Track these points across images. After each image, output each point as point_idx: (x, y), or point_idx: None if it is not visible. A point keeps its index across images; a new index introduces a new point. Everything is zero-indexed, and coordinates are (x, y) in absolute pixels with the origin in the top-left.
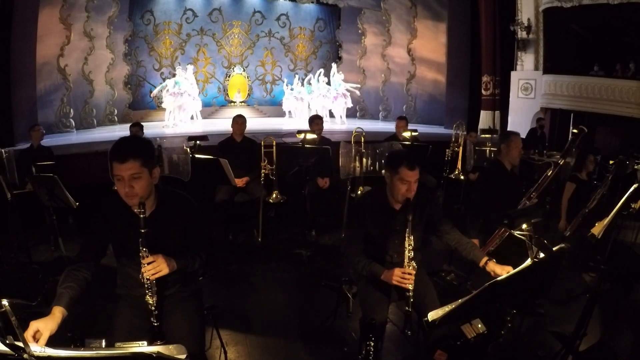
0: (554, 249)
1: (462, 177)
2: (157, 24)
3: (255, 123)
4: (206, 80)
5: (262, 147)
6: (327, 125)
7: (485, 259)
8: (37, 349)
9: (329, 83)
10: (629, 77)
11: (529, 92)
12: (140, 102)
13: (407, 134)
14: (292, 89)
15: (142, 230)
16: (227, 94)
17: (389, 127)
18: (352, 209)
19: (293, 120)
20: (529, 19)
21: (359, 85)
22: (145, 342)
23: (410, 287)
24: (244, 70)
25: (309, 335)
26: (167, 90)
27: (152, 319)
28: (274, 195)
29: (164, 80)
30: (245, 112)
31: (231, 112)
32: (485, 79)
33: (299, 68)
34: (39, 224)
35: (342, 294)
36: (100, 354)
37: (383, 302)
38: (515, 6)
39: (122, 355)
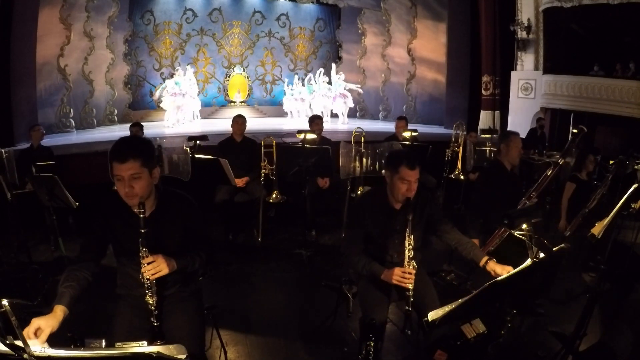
0: (554, 249)
1: (462, 177)
2: (157, 24)
3: (255, 123)
4: (206, 80)
5: (262, 147)
6: (328, 125)
7: (485, 258)
8: (37, 348)
9: (329, 83)
10: (629, 77)
11: (529, 92)
12: (140, 102)
13: (407, 134)
14: (292, 91)
15: (142, 230)
16: (227, 94)
17: (389, 127)
18: (352, 209)
19: (294, 120)
20: (529, 19)
21: (359, 86)
22: (145, 342)
23: (410, 286)
24: (244, 70)
25: (309, 335)
26: (167, 91)
27: (152, 319)
28: (274, 195)
29: (164, 80)
30: (245, 112)
31: (231, 112)
32: (485, 79)
33: (299, 68)
34: (39, 224)
35: (342, 294)
36: (100, 354)
37: (383, 302)
38: (515, 6)
39: (122, 355)
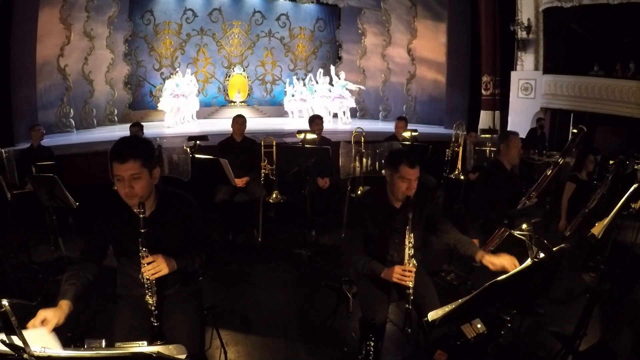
0: (554, 249)
1: (462, 177)
2: (157, 24)
3: (255, 123)
4: (206, 80)
5: (262, 147)
6: (328, 125)
7: (481, 252)
8: (37, 348)
9: (331, 83)
10: (629, 77)
11: (529, 92)
12: (140, 102)
13: (407, 134)
14: (294, 91)
15: (142, 230)
16: (227, 94)
17: (389, 127)
18: (352, 208)
19: (294, 121)
20: (529, 19)
21: (361, 87)
22: (145, 342)
23: (411, 284)
24: (244, 70)
25: (309, 335)
26: (167, 92)
27: (152, 319)
28: (274, 195)
29: (164, 80)
30: (245, 112)
31: (231, 112)
32: (485, 79)
33: (299, 68)
34: (39, 224)
35: (342, 294)
36: (100, 354)
37: (383, 302)
38: (515, 6)
39: (122, 355)
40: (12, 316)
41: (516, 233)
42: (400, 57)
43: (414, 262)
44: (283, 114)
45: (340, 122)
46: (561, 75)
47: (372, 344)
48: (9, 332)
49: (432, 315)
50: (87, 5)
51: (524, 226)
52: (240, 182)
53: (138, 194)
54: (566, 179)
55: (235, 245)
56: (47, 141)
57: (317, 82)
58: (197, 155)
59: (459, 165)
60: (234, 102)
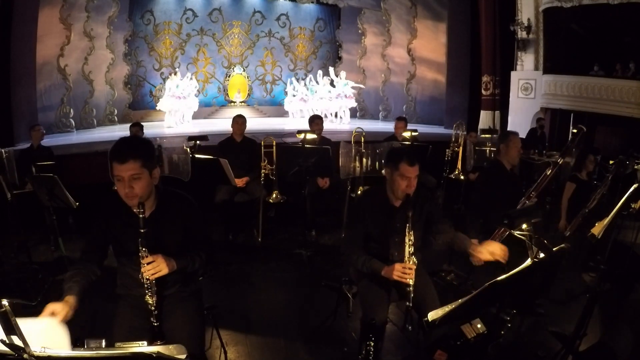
0: (554, 249)
1: (462, 177)
2: (157, 24)
3: (255, 123)
4: (206, 80)
5: (262, 147)
6: (328, 125)
7: (472, 244)
8: (37, 348)
9: (332, 85)
10: (629, 77)
11: (529, 92)
12: (140, 102)
13: (407, 134)
14: (295, 91)
15: (142, 230)
16: (227, 94)
17: (389, 127)
18: (352, 208)
19: (294, 121)
20: (529, 19)
21: (362, 86)
22: (145, 342)
23: (411, 282)
24: (244, 70)
25: (309, 335)
26: (166, 91)
27: (152, 319)
28: (274, 195)
29: (164, 80)
30: (245, 112)
31: (231, 112)
32: (485, 79)
33: (299, 68)
34: (39, 224)
35: (342, 294)
36: (100, 354)
37: (383, 302)
38: (515, 6)
39: (122, 355)
40: (12, 316)
41: (516, 233)
42: (400, 57)
43: (414, 259)
44: (283, 114)
45: (340, 122)
46: (561, 75)
47: (372, 344)
48: (9, 332)
49: (432, 315)
50: (87, 5)
51: (524, 226)
52: (240, 182)
53: (138, 194)
54: (566, 179)
55: (235, 245)
56: (47, 141)
57: (317, 83)
58: (197, 155)
59: (459, 165)
60: (234, 102)
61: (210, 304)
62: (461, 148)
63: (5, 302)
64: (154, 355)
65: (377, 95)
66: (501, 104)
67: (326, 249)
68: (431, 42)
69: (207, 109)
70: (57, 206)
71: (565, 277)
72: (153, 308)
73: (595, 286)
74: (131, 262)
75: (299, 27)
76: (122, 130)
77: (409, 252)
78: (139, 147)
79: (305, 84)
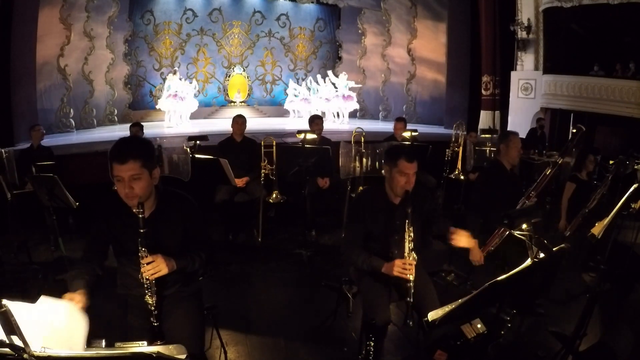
0: (554, 249)
1: (462, 177)
2: (157, 24)
3: (255, 123)
4: (206, 80)
5: (262, 147)
6: (328, 125)
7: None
8: (37, 348)
9: (334, 85)
10: (629, 77)
11: (529, 92)
12: (140, 102)
13: (407, 134)
14: (296, 92)
15: (141, 231)
16: (227, 94)
17: (389, 127)
18: (351, 206)
19: (295, 121)
20: (529, 19)
21: (360, 86)
22: (145, 342)
23: (411, 277)
24: (244, 70)
25: (309, 335)
26: (165, 91)
27: (152, 319)
28: (274, 195)
29: (164, 80)
30: (245, 112)
31: (231, 112)
32: (485, 79)
33: (299, 68)
34: (39, 224)
35: (342, 294)
36: (100, 354)
37: (385, 302)
38: (515, 6)
39: (122, 355)
40: (12, 316)
41: (516, 233)
42: (400, 57)
43: (414, 255)
44: (283, 114)
45: (339, 122)
46: (561, 75)
47: (372, 344)
48: (9, 332)
49: (432, 315)
50: (87, 5)
51: (524, 226)
52: (240, 182)
53: (138, 194)
54: (566, 179)
55: (235, 245)
56: (47, 141)
57: (317, 83)
58: (197, 155)
59: (459, 165)
60: (234, 102)
61: (210, 304)
62: (461, 148)
63: (5, 302)
64: (154, 355)
65: (377, 95)
66: (501, 104)
67: (326, 249)
68: (431, 42)
69: (207, 109)
70: (57, 206)
71: (565, 277)
72: (153, 308)
73: (595, 286)
74: (131, 262)
75: (299, 27)
76: (122, 130)
77: (409, 247)
78: (139, 148)
79: (306, 85)
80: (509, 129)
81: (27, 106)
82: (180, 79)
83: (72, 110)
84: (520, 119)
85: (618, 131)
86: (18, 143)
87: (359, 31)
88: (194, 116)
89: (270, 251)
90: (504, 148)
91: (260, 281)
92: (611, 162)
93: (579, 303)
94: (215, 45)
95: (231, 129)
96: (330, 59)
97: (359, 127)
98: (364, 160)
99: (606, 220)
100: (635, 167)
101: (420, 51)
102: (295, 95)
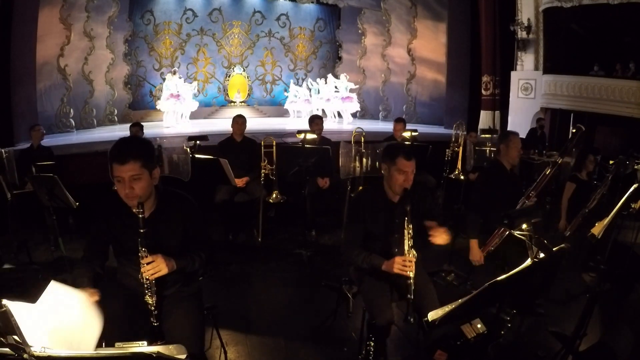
0: (554, 249)
1: (462, 177)
2: (157, 24)
3: (255, 123)
4: (206, 80)
5: (262, 147)
6: (328, 125)
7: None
8: (37, 348)
9: (335, 86)
10: (629, 77)
11: (529, 92)
12: (140, 102)
13: (407, 134)
14: (297, 92)
15: (141, 231)
16: (227, 94)
17: (389, 127)
18: (350, 206)
19: (295, 121)
20: (529, 19)
21: (358, 86)
22: (145, 342)
23: (412, 274)
24: (244, 70)
25: (309, 335)
26: (167, 90)
27: (152, 319)
28: (274, 195)
29: (164, 80)
30: (245, 112)
31: (231, 112)
32: (485, 79)
33: (299, 68)
34: (39, 224)
35: (342, 294)
36: (101, 354)
37: (387, 301)
38: (515, 6)
39: (122, 355)
40: (12, 316)
41: (516, 233)
42: (400, 57)
43: (414, 252)
44: (283, 114)
45: (341, 123)
46: (561, 75)
47: (372, 343)
48: (9, 332)
49: (432, 315)
50: (87, 5)
51: (524, 226)
52: (240, 182)
53: (138, 194)
54: (566, 179)
55: (235, 245)
56: (47, 141)
57: (318, 84)
58: (197, 155)
59: (459, 165)
60: (234, 102)
61: (210, 304)
62: (461, 148)
63: (5, 302)
64: (154, 355)
65: (377, 95)
66: (501, 104)
67: (326, 249)
68: (431, 42)
69: (207, 109)
70: (57, 206)
71: (565, 277)
72: (153, 308)
73: (595, 286)
74: (131, 262)
75: (299, 27)
76: (122, 130)
77: (409, 244)
78: (139, 148)
79: (307, 85)
80: (509, 129)
81: (27, 106)
82: (180, 78)
83: (72, 110)
84: (520, 119)
85: (618, 131)
86: (18, 143)
87: (359, 31)
88: (194, 116)
89: (270, 251)
90: (504, 148)
91: (260, 281)
92: (611, 162)
93: (579, 303)
94: (215, 45)
95: (231, 129)
96: (330, 59)
97: (359, 127)
98: (364, 160)
99: (606, 220)
100: (635, 167)
101: (420, 51)
102: (296, 96)
